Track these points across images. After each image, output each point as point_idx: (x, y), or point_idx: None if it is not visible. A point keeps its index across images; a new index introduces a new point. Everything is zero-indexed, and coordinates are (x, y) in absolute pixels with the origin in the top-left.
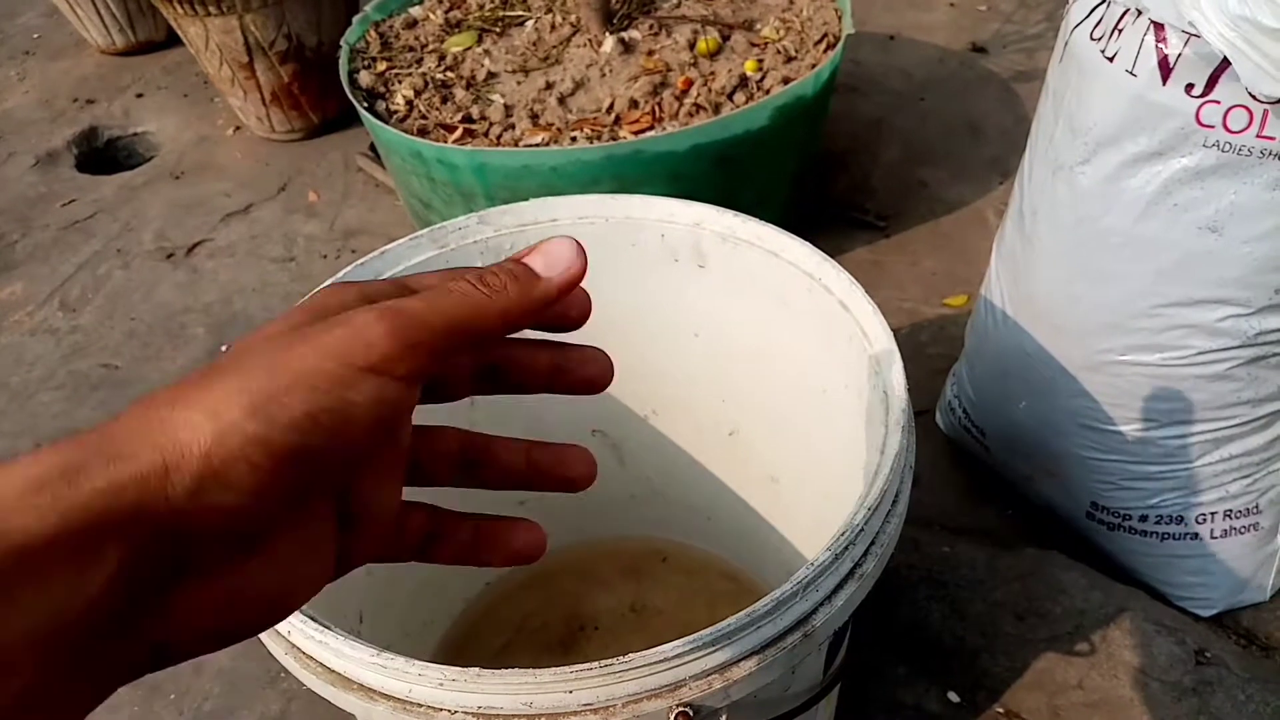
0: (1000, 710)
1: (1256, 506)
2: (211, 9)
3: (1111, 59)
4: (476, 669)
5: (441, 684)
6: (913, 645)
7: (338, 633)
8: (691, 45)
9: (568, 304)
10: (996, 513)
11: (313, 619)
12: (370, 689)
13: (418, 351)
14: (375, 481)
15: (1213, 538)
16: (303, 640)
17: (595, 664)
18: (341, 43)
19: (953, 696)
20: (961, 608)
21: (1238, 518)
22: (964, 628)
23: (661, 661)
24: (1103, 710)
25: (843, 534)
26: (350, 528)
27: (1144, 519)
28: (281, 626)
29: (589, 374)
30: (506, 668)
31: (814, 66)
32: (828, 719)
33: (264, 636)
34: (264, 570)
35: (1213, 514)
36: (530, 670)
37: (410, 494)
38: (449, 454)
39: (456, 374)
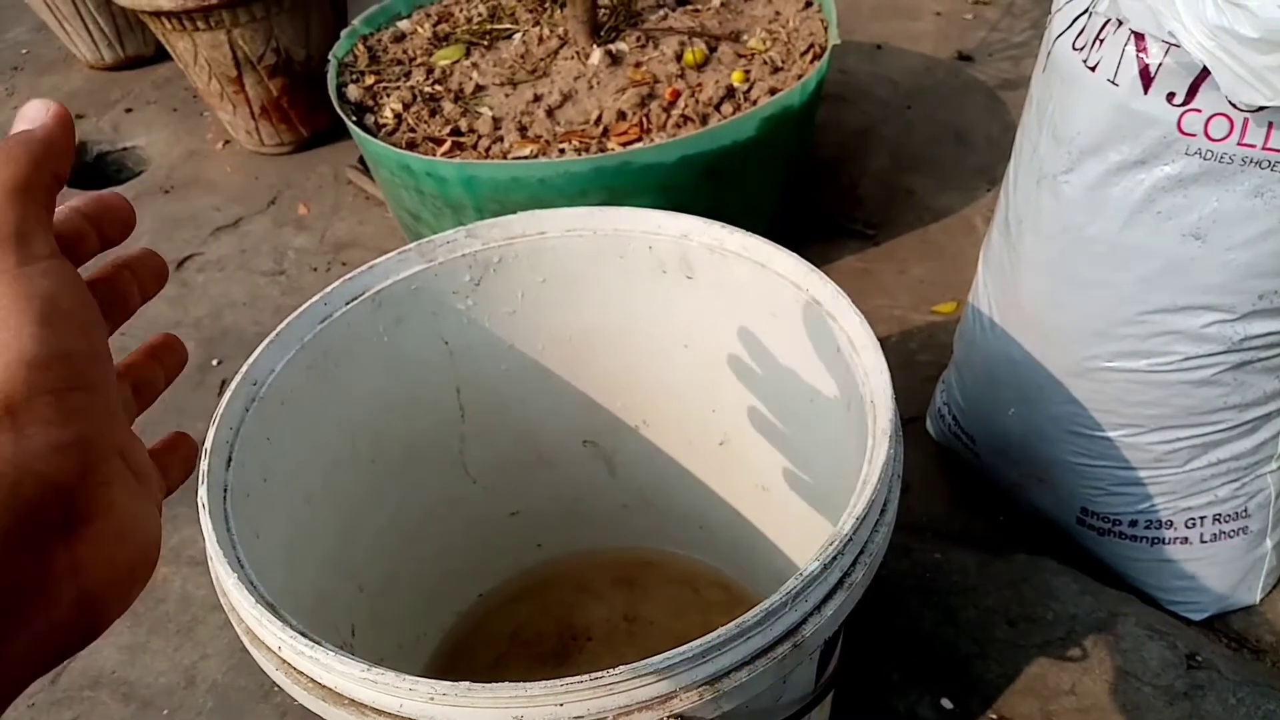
0: (993, 716)
1: (1245, 510)
2: (200, 24)
3: (1093, 69)
4: (467, 683)
5: (432, 699)
6: (905, 652)
7: (328, 648)
8: (679, 57)
9: (102, 215)
10: (987, 519)
11: (303, 634)
12: (361, 704)
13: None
14: (128, 437)
15: (1202, 542)
16: (293, 656)
17: (585, 677)
18: (330, 57)
19: (946, 703)
20: (954, 614)
21: (1226, 522)
22: (956, 634)
23: (652, 673)
24: (1095, 715)
25: (831, 544)
26: (144, 482)
27: (1133, 524)
28: (271, 641)
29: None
30: (499, 680)
31: (801, 77)
32: None
33: (255, 652)
34: (125, 486)
35: (1202, 518)
36: (521, 684)
37: None
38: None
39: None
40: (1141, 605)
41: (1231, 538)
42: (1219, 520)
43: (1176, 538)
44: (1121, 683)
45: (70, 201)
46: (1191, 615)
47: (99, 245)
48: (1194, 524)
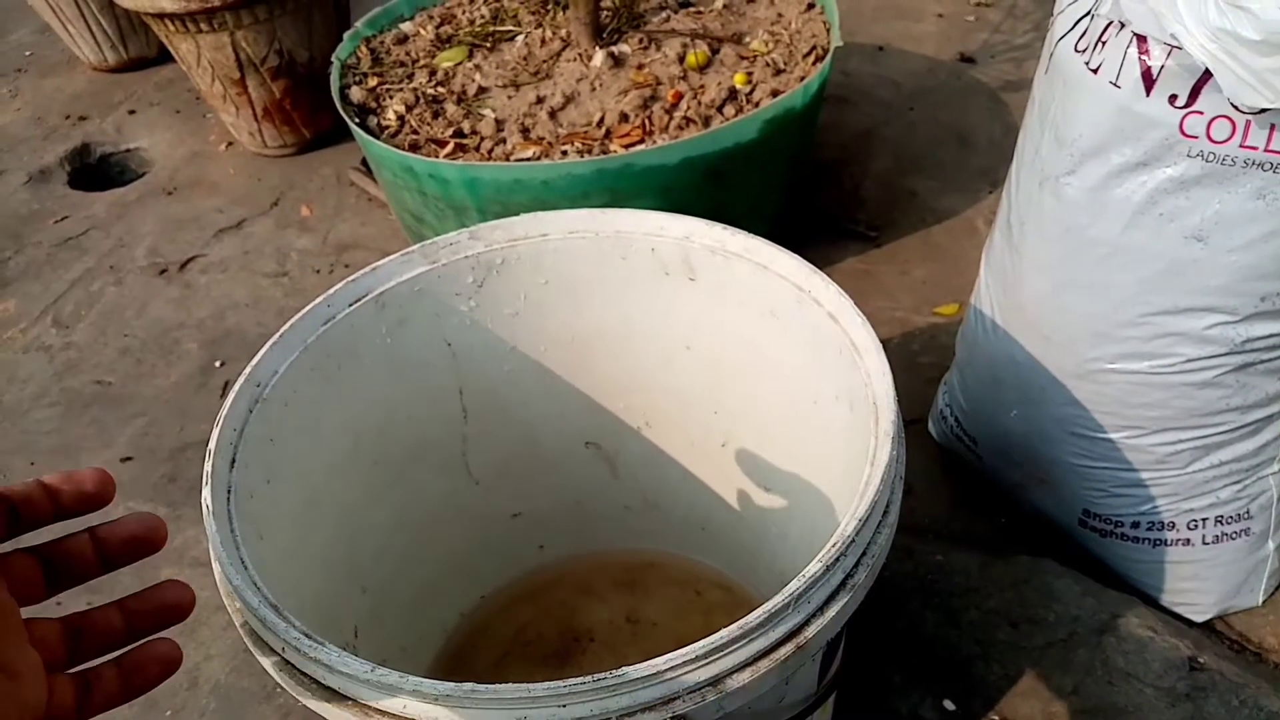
0: (995, 718)
1: (1247, 512)
2: (203, 26)
3: (1096, 71)
4: (471, 684)
5: (436, 700)
6: (907, 653)
7: (331, 649)
8: (681, 59)
9: (71, 490)
10: (989, 521)
11: (307, 635)
12: (365, 705)
13: None
14: (6, 640)
15: (1204, 544)
16: (296, 657)
17: (588, 678)
18: (333, 59)
19: (948, 704)
20: (956, 615)
21: (1229, 523)
22: (958, 635)
23: (654, 675)
24: (1097, 717)
25: (834, 545)
26: (16, 678)
27: (1135, 525)
28: (275, 643)
29: (128, 532)
30: (501, 681)
31: (803, 79)
32: None
33: (258, 653)
34: None
35: (1204, 520)
36: (524, 685)
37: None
38: (52, 641)
39: (21, 575)
40: (1143, 607)
41: (1234, 539)
42: (1221, 522)
43: (1178, 539)
44: (1123, 684)
45: (44, 476)
46: (1193, 617)
47: (50, 509)
48: (1196, 526)
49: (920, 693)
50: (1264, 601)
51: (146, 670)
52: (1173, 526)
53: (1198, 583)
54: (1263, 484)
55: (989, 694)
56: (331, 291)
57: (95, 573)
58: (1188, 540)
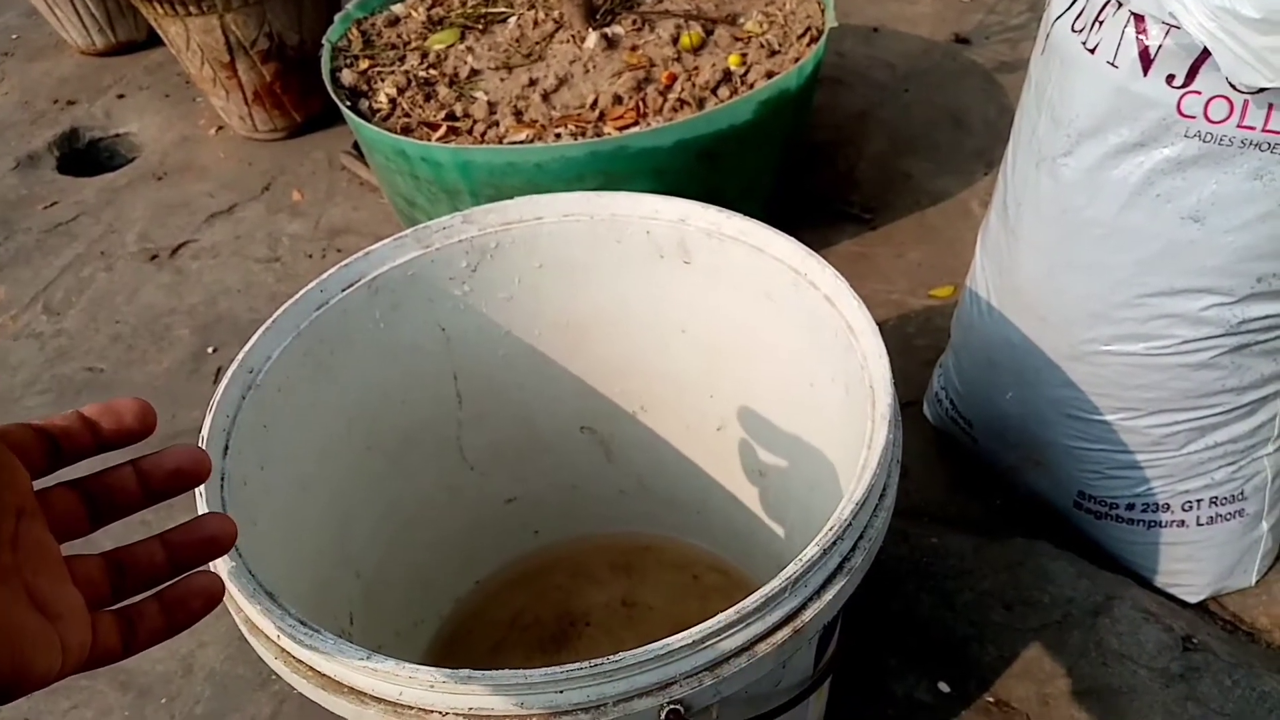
0: (990, 699)
1: (1242, 493)
2: (192, 9)
3: (1093, 50)
4: (467, 670)
5: (433, 686)
6: (903, 636)
7: (327, 636)
8: (675, 40)
9: (111, 424)
10: (984, 503)
11: (302, 623)
12: (361, 692)
13: None
14: (47, 578)
15: (1199, 525)
16: (292, 645)
17: (585, 664)
18: (323, 41)
19: (943, 686)
20: (950, 598)
21: (1223, 504)
22: (953, 618)
23: (651, 660)
24: (1092, 698)
25: (830, 529)
26: (56, 619)
27: (1130, 507)
28: (270, 630)
29: (174, 465)
30: (498, 667)
31: (798, 60)
32: (819, 712)
33: (254, 641)
34: None
35: (1199, 501)
36: (521, 671)
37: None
38: (94, 577)
39: (64, 510)
40: (1137, 588)
41: (1228, 520)
42: (1216, 503)
43: (1173, 521)
44: (1118, 665)
45: (83, 407)
46: (1187, 598)
47: (91, 442)
48: (1191, 507)
49: (915, 675)
50: (1257, 582)
51: (189, 604)
52: (1168, 508)
53: (1192, 564)
54: (1257, 465)
55: (984, 676)
56: (324, 277)
57: (139, 505)
58: (1182, 522)
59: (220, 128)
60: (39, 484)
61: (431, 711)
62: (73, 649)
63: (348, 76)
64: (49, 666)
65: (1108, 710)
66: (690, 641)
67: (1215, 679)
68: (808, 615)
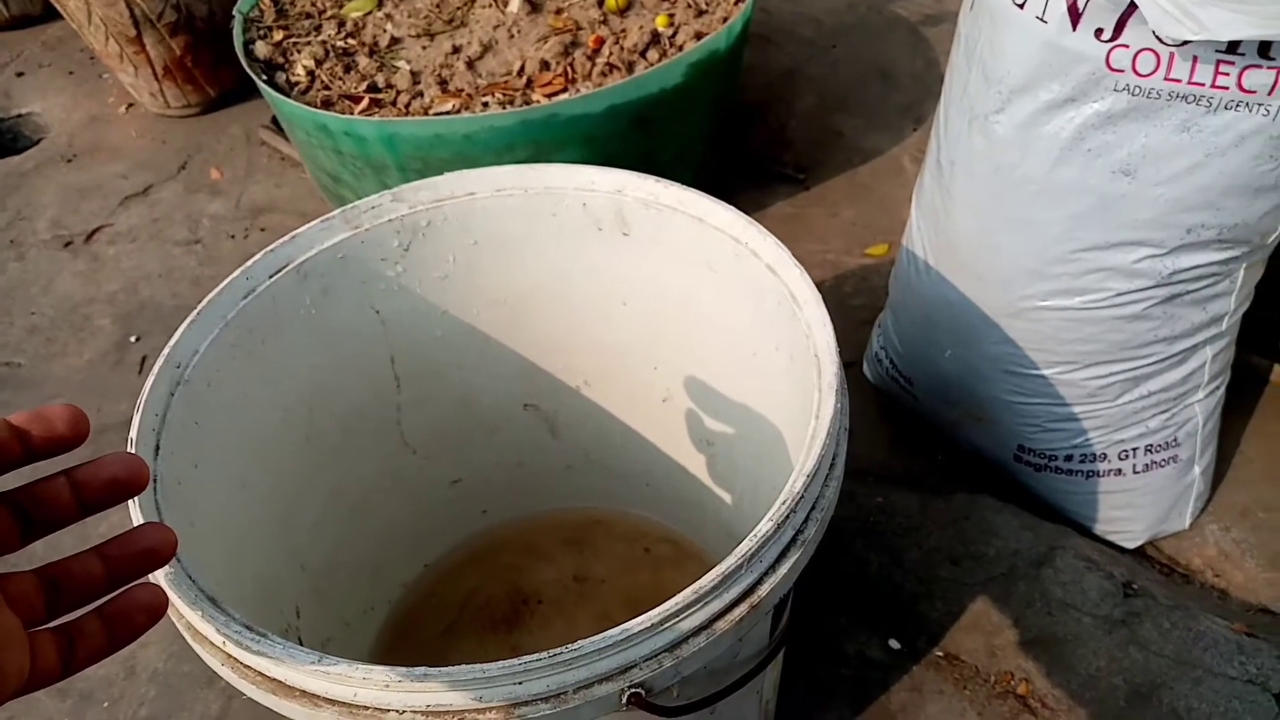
0: (940, 654)
1: (1175, 440)
2: None
3: (1022, 6)
4: (423, 668)
5: (388, 685)
6: (852, 595)
7: (275, 640)
8: (600, 2)
9: (41, 432)
10: (927, 460)
11: (248, 628)
12: (314, 695)
13: None
14: None
15: (1135, 473)
16: (237, 650)
17: (544, 654)
18: (234, 12)
19: (894, 643)
20: (898, 555)
21: (1158, 451)
22: (901, 575)
23: (610, 646)
24: (1038, 647)
25: (783, 503)
26: None
27: (1069, 459)
28: (215, 636)
29: (109, 474)
30: (452, 650)
31: (726, 20)
32: (775, 678)
33: (198, 647)
34: None
35: (1134, 449)
36: (478, 666)
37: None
38: (28, 595)
39: None
40: (1079, 538)
41: (1162, 467)
42: (1150, 450)
43: (1110, 470)
44: (1062, 614)
45: (11, 415)
46: (1126, 544)
47: (20, 452)
48: (1126, 455)
49: (866, 633)
50: (1191, 525)
51: (131, 619)
52: (1104, 458)
53: (1130, 510)
54: (1189, 411)
55: (933, 631)
56: (250, 263)
57: (73, 518)
58: (1119, 470)
59: (130, 105)
60: None
61: (388, 710)
62: (10, 675)
63: (262, 49)
64: None
65: (1054, 659)
66: (649, 625)
67: (1155, 622)
68: (764, 590)
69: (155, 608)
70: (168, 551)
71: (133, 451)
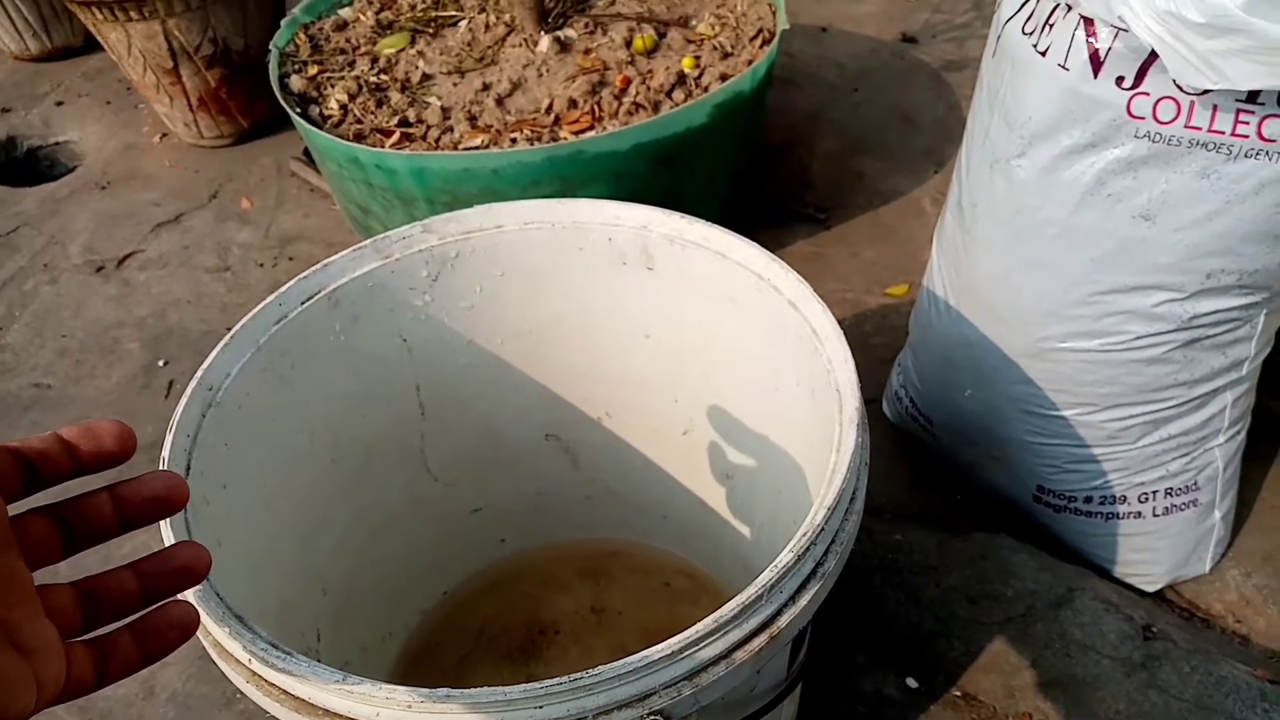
0: (958, 693)
1: (1195, 483)
2: (133, 14)
3: (1044, 53)
4: (445, 690)
5: (410, 706)
6: (870, 633)
7: (300, 658)
8: (628, 43)
9: (90, 448)
10: (945, 498)
11: (274, 645)
12: (336, 714)
13: None
14: (22, 613)
15: (1155, 515)
16: (264, 668)
17: (564, 679)
18: (270, 47)
19: (911, 682)
20: (916, 593)
21: (1178, 495)
22: (919, 613)
23: (630, 672)
24: (1057, 689)
25: (804, 534)
26: (30, 654)
27: (1089, 500)
28: (240, 654)
29: (150, 492)
30: (469, 678)
31: (751, 62)
32: (792, 712)
33: (223, 664)
34: None
35: (1154, 492)
36: (499, 689)
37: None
38: (66, 607)
39: (37, 538)
40: (1098, 579)
41: (1182, 510)
42: (1170, 494)
43: (1130, 512)
44: (1081, 656)
45: (61, 429)
46: (1146, 587)
47: (70, 465)
48: (1146, 498)
49: (883, 671)
50: (1211, 569)
51: (164, 635)
52: (1124, 500)
53: (1149, 554)
54: (1209, 455)
55: (951, 670)
56: (283, 290)
57: (114, 533)
58: (1139, 513)
59: (164, 135)
60: (11, 509)
61: None
62: (47, 684)
63: (296, 83)
64: (25, 707)
65: (1072, 700)
66: (669, 652)
67: (1175, 666)
68: (783, 621)
69: (187, 624)
70: (202, 570)
71: (178, 474)
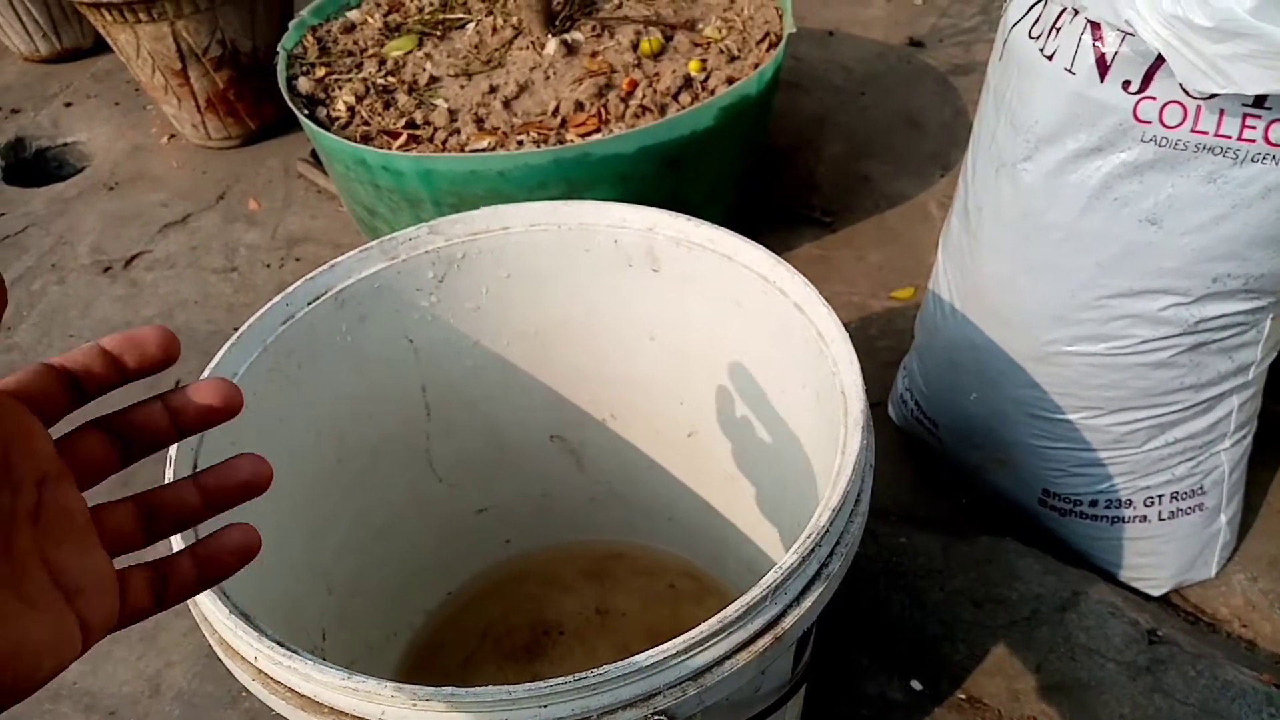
0: (962, 697)
1: (1201, 488)
2: (142, 16)
3: (1050, 57)
4: (450, 688)
5: (415, 704)
6: (874, 636)
7: (306, 657)
8: (635, 46)
9: (134, 356)
10: (950, 502)
11: (280, 643)
12: (341, 712)
13: None
14: (72, 549)
15: (1160, 519)
16: (270, 665)
17: (569, 678)
18: (278, 49)
19: (915, 685)
20: (921, 597)
21: (1183, 499)
22: (924, 616)
23: (635, 672)
24: (1061, 693)
25: (808, 536)
26: (77, 596)
27: (1094, 504)
28: (247, 651)
29: (205, 401)
30: (473, 678)
31: (757, 65)
32: (796, 714)
33: (229, 662)
34: None
35: (1160, 496)
36: (504, 688)
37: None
38: (126, 525)
39: (91, 454)
40: (1103, 583)
41: (1188, 514)
42: (1176, 498)
43: (1136, 516)
44: (1086, 659)
45: (103, 339)
46: (1151, 591)
47: (115, 376)
48: (1152, 502)
49: (888, 674)
50: (1217, 574)
51: (223, 560)
52: (1130, 504)
53: (1155, 558)
54: (1215, 459)
55: (955, 674)
56: (289, 290)
57: (171, 440)
58: (1145, 517)
59: (172, 136)
60: (64, 426)
61: None
62: (95, 625)
63: (304, 84)
64: (56, 664)
65: (1077, 704)
66: (674, 652)
67: (1180, 670)
68: (788, 622)
69: (248, 547)
70: (263, 483)
71: (228, 383)
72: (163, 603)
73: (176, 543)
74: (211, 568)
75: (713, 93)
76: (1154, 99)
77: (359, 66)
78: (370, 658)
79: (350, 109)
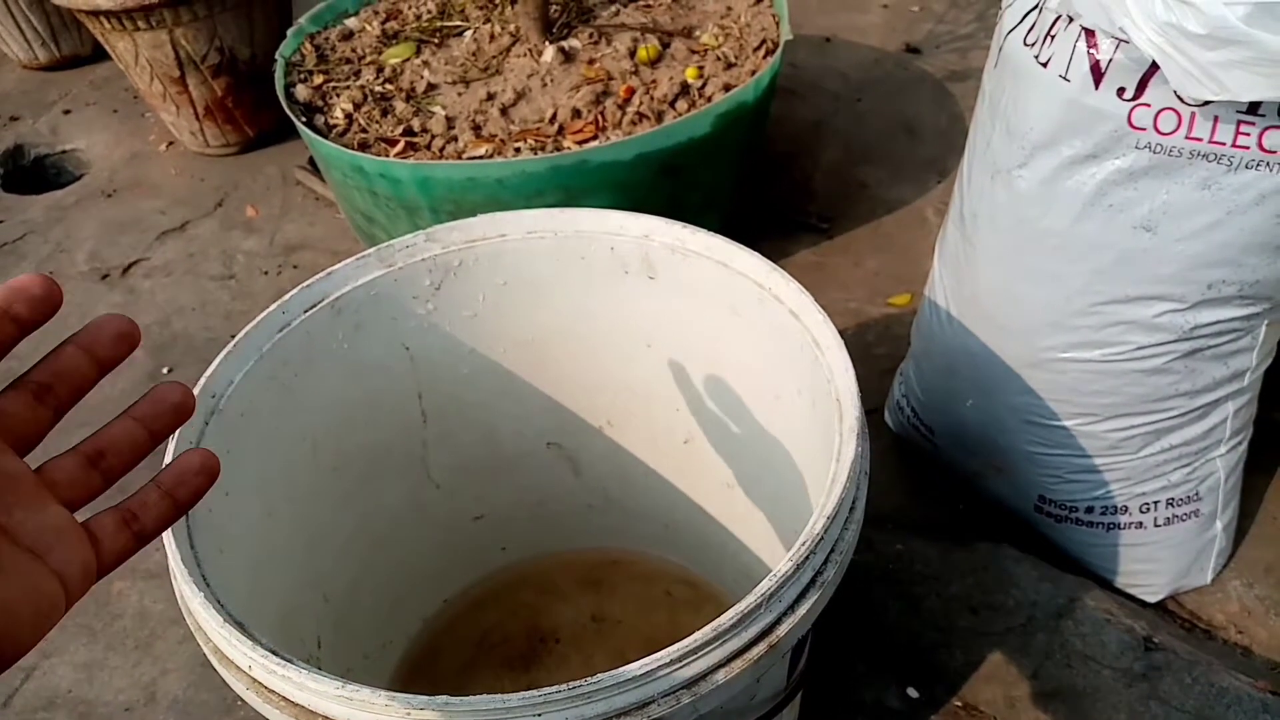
0: (958, 703)
1: (1197, 494)
2: (140, 23)
3: (1045, 64)
4: (444, 697)
5: (409, 713)
6: (870, 642)
7: (300, 666)
8: (632, 53)
9: (25, 307)
10: (947, 508)
11: (274, 652)
12: None
13: None
14: (24, 510)
15: (1156, 526)
16: (264, 675)
17: (563, 687)
18: (276, 56)
19: (911, 692)
20: (917, 603)
21: (1179, 505)
22: (920, 623)
23: (629, 680)
24: (1057, 700)
25: (803, 543)
26: (47, 553)
27: (1090, 510)
28: (241, 660)
29: (113, 330)
30: (469, 686)
31: (754, 73)
32: None
33: (223, 671)
34: None
35: (1156, 503)
36: (499, 696)
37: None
38: (76, 478)
39: (18, 415)
40: (1099, 590)
41: (1184, 521)
42: (1172, 504)
43: (1131, 522)
44: (1082, 666)
45: None
46: (1147, 598)
47: (15, 330)
48: (1148, 509)
49: (884, 681)
50: (1213, 580)
51: (190, 483)
52: (1126, 510)
53: (1151, 564)
54: (1211, 466)
55: (951, 680)
56: (286, 298)
57: (94, 379)
58: (1140, 523)
59: (171, 143)
60: None
61: None
62: (73, 574)
63: (302, 92)
64: (40, 621)
65: (1073, 711)
66: (668, 660)
67: (1176, 677)
68: (783, 630)
69: (211, 467)
70: (189, 407)
71: (121, 317)
72: (144, 537)
73: None
74: (181, 491)
75: (710, 100)
76: (1148, 106)
77: (357, 74)
78: (366, 666)
79: (348, 116)
